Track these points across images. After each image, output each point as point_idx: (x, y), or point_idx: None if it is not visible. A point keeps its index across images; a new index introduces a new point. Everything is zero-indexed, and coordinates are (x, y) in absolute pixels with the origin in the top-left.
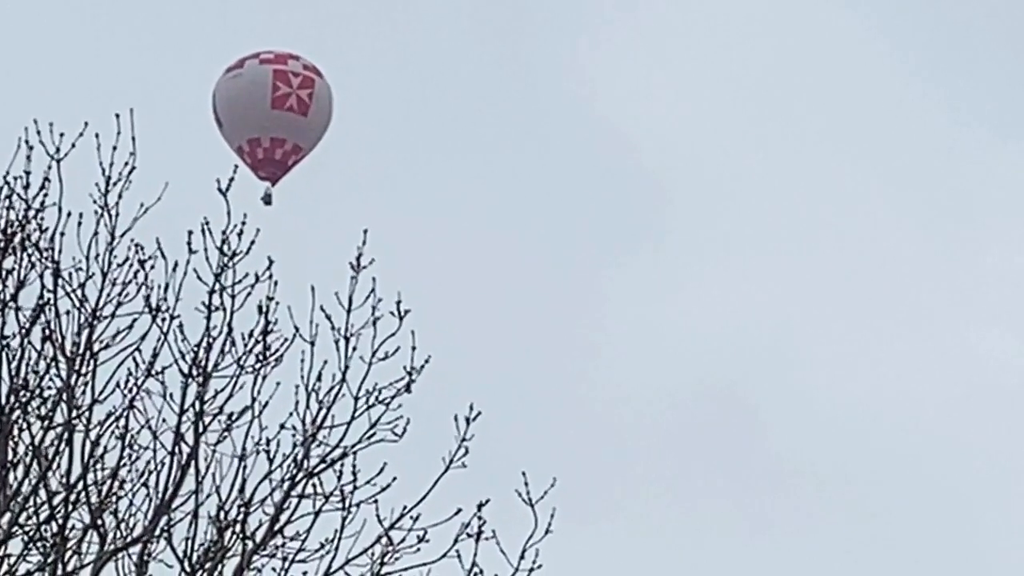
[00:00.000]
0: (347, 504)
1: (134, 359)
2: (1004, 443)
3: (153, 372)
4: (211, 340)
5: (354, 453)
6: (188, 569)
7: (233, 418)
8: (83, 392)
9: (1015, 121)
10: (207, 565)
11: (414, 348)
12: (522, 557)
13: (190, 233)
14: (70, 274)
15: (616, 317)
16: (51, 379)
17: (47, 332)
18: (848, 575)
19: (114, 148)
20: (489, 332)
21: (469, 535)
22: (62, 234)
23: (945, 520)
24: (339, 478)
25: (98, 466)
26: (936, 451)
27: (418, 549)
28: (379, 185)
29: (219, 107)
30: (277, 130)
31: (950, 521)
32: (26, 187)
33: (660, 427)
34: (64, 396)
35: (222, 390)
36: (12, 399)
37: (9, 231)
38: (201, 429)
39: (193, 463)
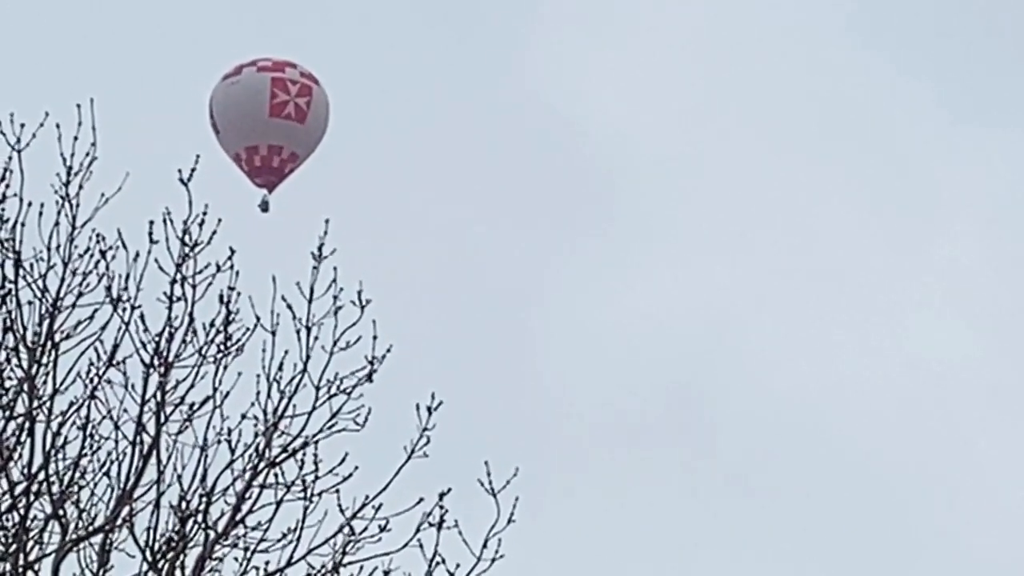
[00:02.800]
0: (309, 494)
1: (95, 349)
2: (951, 432)
3: (114, 362)
4: (172, 330)
5: (316, 443)
6: (150, 559)
7: (195, 408)
8: (44, 382)
9: (964, 111)
10: (169, 555)
11: (375, 337)
12: (484, 546)
13: (151, 223)
14: (31, 264)
15: (570, 309)
16: (12, 369)
17: (8, 322)
18: (799, 563)
19: (75, 138)
20: (450, 322)
21: (431, 524)
22: (23, 224)
23: (893, 507)
24: (301, 468)
25: (59, 456)
26: (884, 440)
27: (380, 538)
28: (347, 179)
29: (216, 114)
30: (275, 137)
31: (898, 508)
32: None
33: (618, 418)
34: (25, 386)
35: (183, 380)
36: None
37: None
38: (163, 419)
39: (155, 453)
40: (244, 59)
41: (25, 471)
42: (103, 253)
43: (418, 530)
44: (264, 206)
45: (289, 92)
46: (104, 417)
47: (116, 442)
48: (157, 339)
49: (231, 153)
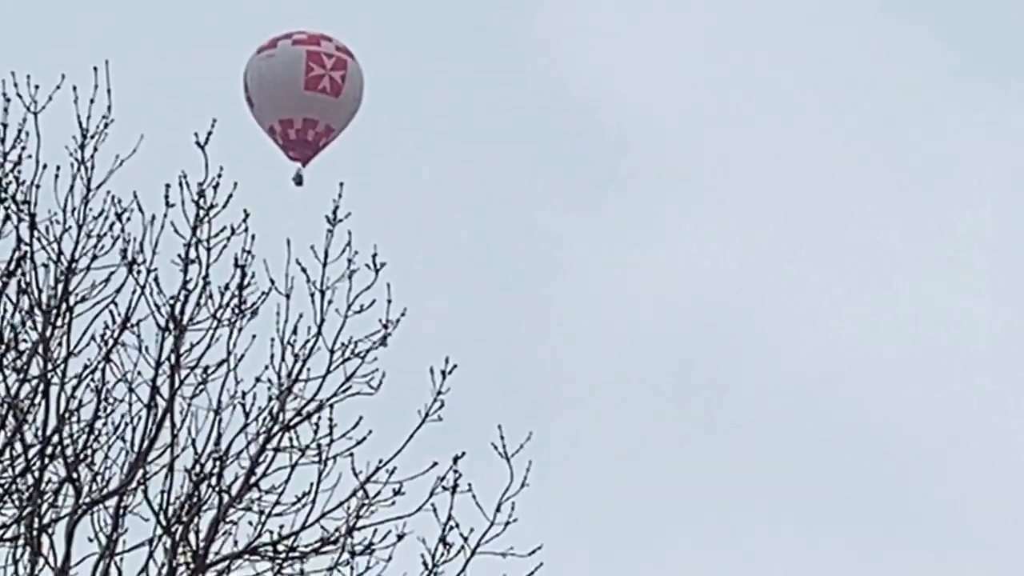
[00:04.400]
0: (323, 457)
1: (110, 312)
2: (965, 404)
3: (129, 325)
4: (187, 293)
5: (330, 406)
6: (164, 522)
7: (209, 371)
8: (59, 345)
9: (988, 78)
10: (183, 518)
11: (390, 301)
12: (498, 510)
13: (167, 186)
14: (46, 227)
15: (584, 274)
16: (27, 331)
17: (23, 284)
18: (813, 534)
19: (91, 101)
20: (464, 286)
21: (445, 488)
22: (38, 186)
23: (904, 475)
24: (315, 431)
25: (73, 419)
26: (897, 410)
27: (394, 502)
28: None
29: (251, 87)
30: (310, 111)
31: (909, 477)
32: (2, 140)
33: (631, 383)
34: (40, 349)
35: (198, 343)
36: None
37: None
38: (177, 382)
39: (169, 416)
40: (278, 32)
41: (39, 434)
42: (119, 216)
43: (432, 494)
44: (298, 180)
45: (325, 66)
46: (119, 380)
47: (130, 405)
48: (172, 302)
49: (265, 126)
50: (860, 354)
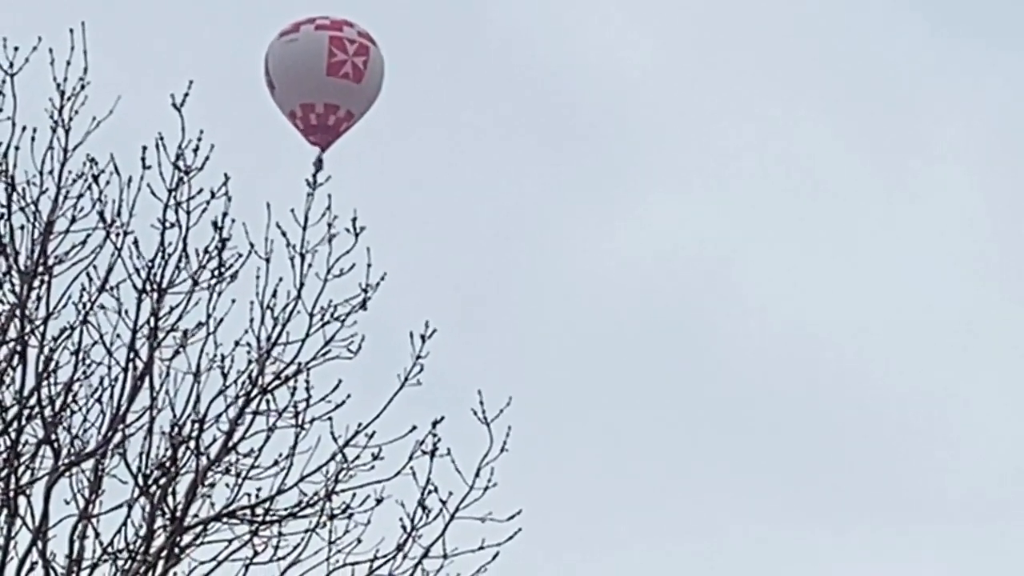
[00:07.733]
0: (301, 421)
1: (88, 274)
2: (943, 373)
3: (107, 287)
4: (166, 256)
5: (309, 370)
6: (142, 484)
7: (188, 334)
8: (37, 307)
9: (972, 52)
10: (161, 481)
11: (369, 265)
12: (477, 475)
13: (144, 148)
14: (24, 189)
15: (566, 238)
16: (5, 294)
17: (0, 247)
18: (794, 498)
19: (68, 63)
20: (444, 250)
21: (424, 453)
22: (16, 148)
23: (884, 443)
24: (293, 395)
25: (52, 381)
26: (877, 378)
27: (372, 466)
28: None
29: (272, 71)
30: (332, 96)
31: (889, 444)
32: None
33: (613, 347)
34: (17, 311)
35: (177, 306)
36: None
37: None
38: (155, 345)
39: (147, 379)
40: (299, 16)
41: (17, 395)
42: (95, 178)
43: (411, 458)
44: (319, 164)
45: (347, 51)
46: (96, 342)
47: (109, 367)
48: (150, 264)
49: (286, 111)
50: (833, 324)
